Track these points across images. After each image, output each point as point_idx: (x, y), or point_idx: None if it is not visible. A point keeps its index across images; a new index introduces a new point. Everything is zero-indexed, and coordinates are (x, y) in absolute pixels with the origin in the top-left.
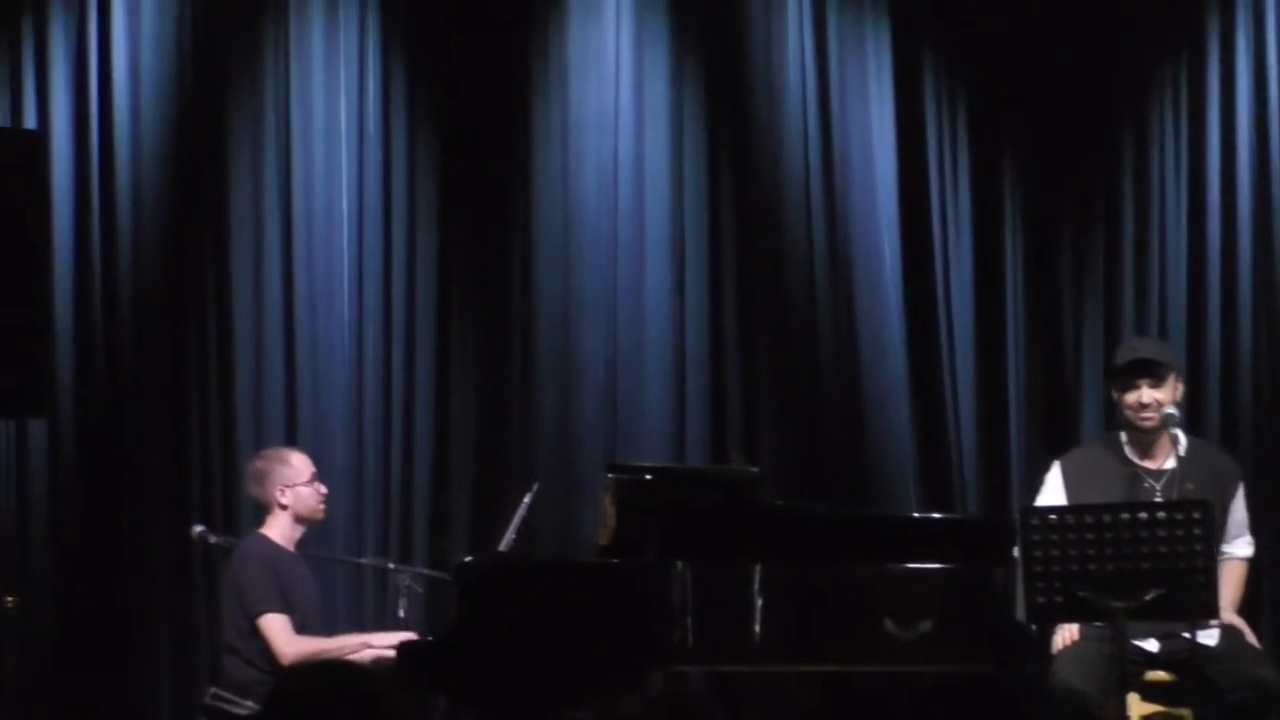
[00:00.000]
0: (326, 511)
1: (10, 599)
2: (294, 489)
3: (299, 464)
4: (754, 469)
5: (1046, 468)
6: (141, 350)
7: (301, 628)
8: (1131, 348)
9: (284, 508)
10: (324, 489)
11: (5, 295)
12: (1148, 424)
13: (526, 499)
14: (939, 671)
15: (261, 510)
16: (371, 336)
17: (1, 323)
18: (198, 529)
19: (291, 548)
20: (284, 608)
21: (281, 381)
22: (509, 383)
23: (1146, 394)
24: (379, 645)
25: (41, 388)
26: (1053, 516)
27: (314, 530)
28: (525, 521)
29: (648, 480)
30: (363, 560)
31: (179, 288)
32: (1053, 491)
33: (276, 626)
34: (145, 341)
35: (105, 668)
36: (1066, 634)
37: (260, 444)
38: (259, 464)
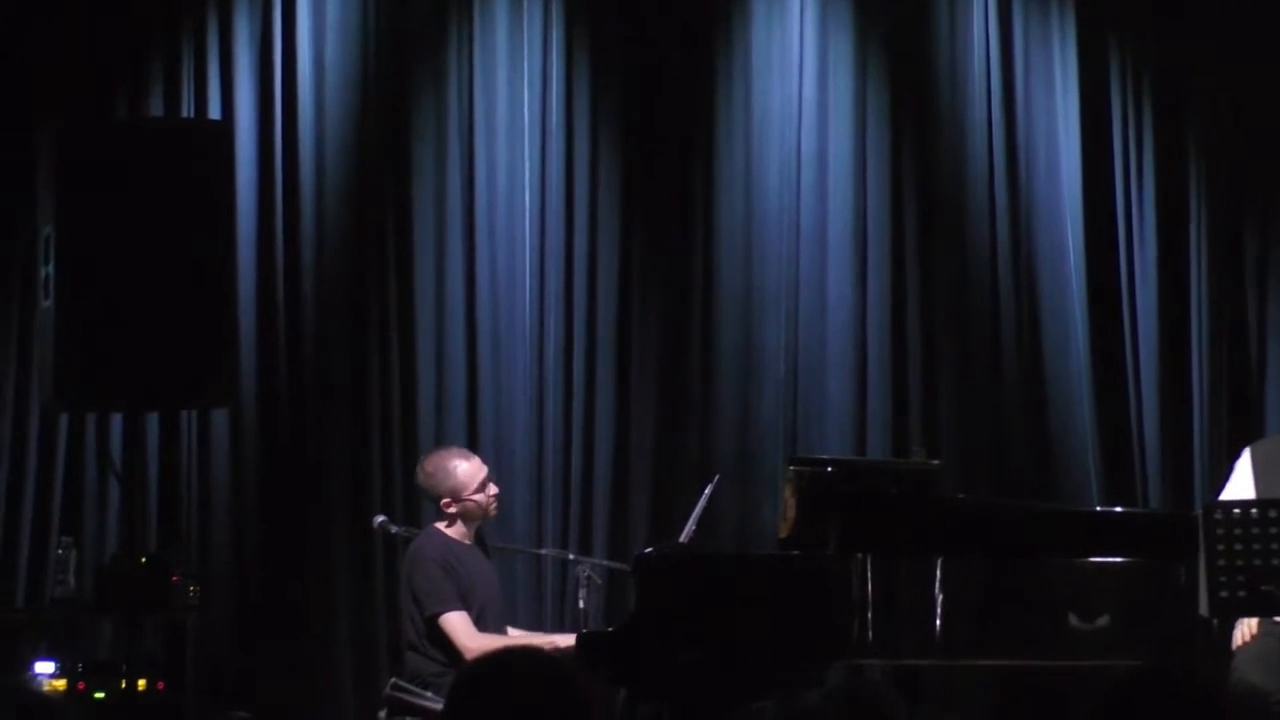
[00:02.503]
0: (500, 506)
1: (192, 588)
2: (460, 502)
3: (465, 477)
4: (935, 462)
5: (1238, 454)
6: (323, 341)
7: (479, 621)
8: None
9: (451, 513)
10: (494, 490)
11: (189, 286)
12: None
13: (707, 491)
14: (1121, 666)
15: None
16: (553, 328)
17: (184, 313)
18: (379, 519)
19: (468, 541)
20: (461, 604)
21: (463, 373)
22: (690, 375)
23: None
24: (564, 646)
25: (224, 378)
26: (1236, 511)
27: (494, 521)
28: (705, 513)
29: (829, 473)
30: (543, 551)
31: (361, 278)
32: (1241, 478)
33: (457, 624)
34: (327, 333)
35: (286, 657)
36: (1246, 629)
37: (441, 435)
38: (427, 468)
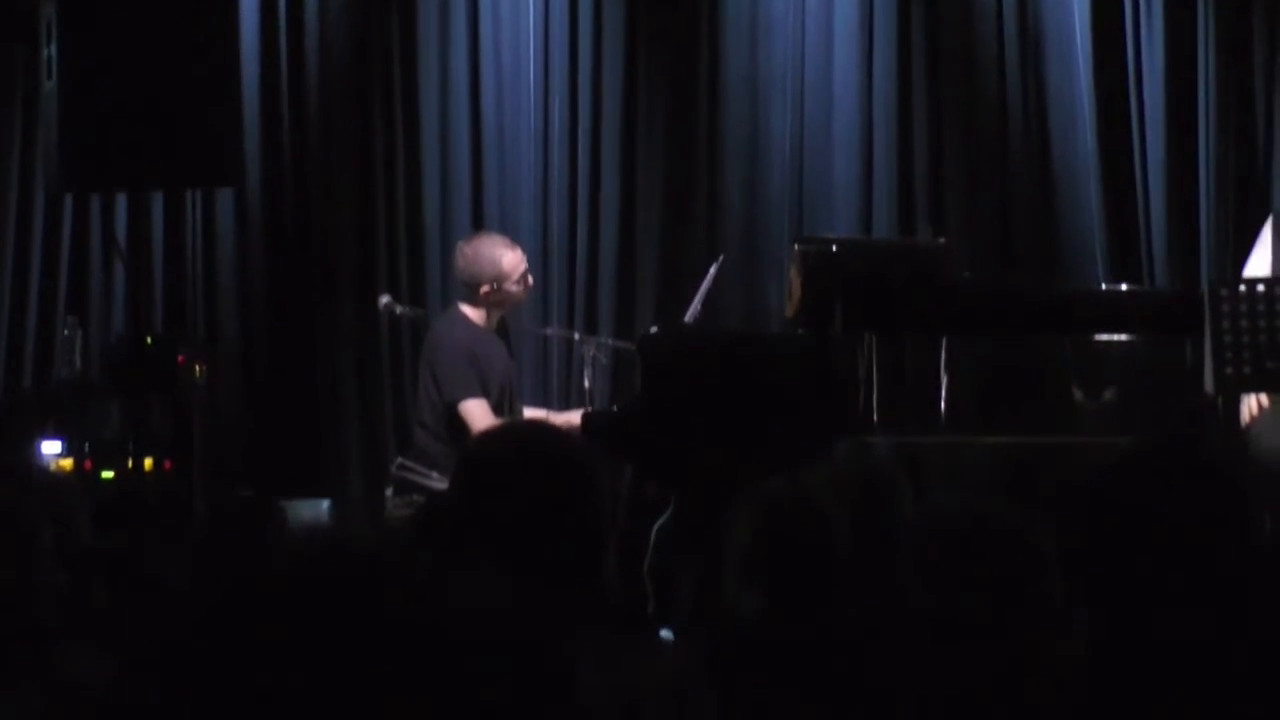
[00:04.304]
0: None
1: (198, 368)
2: (499, 291)
3: (509, 266)
4: (941, 241)
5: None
6: (328, 122)
7: (497, 408)
8: None
9: (486, 299)
10: (531, 281)
11: (192, 65)
12: None
13: (712, 271)
14: (1126, 441)
15: (463, 287)
16: (558, 110)
17: (188, 92)
18: (384, 299)
19: (491, 327)
20: (481, 392)
21: (467, 154)
22: (695, 156)
23: None
24: (576, 423)
25: (228, 157)
26: (1242, 288)
27: None
28: (711, 293)
29: (834, 252)
30: (548, 331)
31: (364, 59)
32: (1263, 248)
33: (476, 412)
34: (331, 114)
35: (293, 437)
36: (1254, 403)
37: (447, 216)
38: (469, 253)
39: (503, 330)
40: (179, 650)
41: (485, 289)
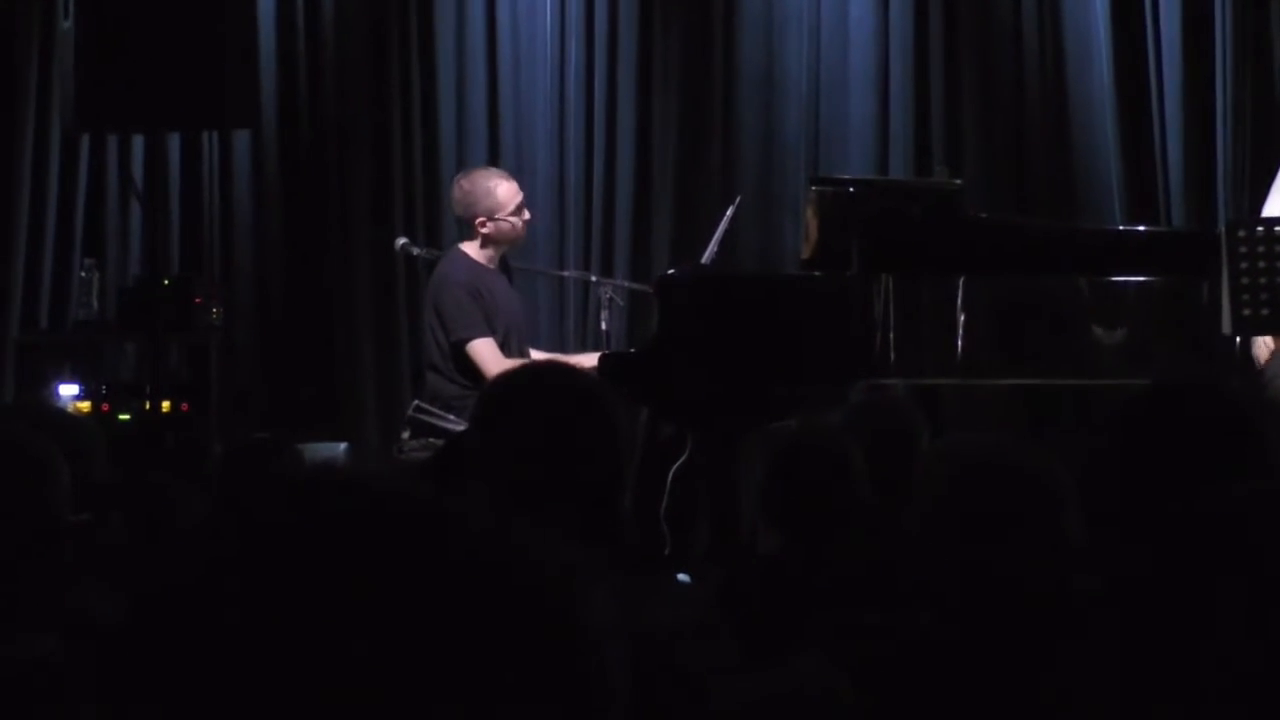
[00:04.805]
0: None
1: (215, 310)
2: (495, 222)
3: (504, 197)
4: (958, 181)
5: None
6: (343, 63)
7: (504, 346)
8: None
9: (484, 234)
10: (527, 215)
11: (209, 5)
12: None
13: (729, 212)
14: (1143, 383)
15: (463, 224)
16: (574, 50)
17: (205, 33)
18: (401, 241)
19: (493, 264)
20: (487, 331)
21: (484, 93)
22: (711, 96)
23: None
24: (589, 367)
25: (244, 98)
26: (1260, 228)
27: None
28: (727, 234)
29: (850, 192)
30: (565, 273)
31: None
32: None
33: (483, 351)
34: (347, 54)
35: (309, 378)
36: (1264, 346)
37: (462, 157)
38: (464, 185)
39: (504, 270)
40: (191, 588)
41: (481, 221)
